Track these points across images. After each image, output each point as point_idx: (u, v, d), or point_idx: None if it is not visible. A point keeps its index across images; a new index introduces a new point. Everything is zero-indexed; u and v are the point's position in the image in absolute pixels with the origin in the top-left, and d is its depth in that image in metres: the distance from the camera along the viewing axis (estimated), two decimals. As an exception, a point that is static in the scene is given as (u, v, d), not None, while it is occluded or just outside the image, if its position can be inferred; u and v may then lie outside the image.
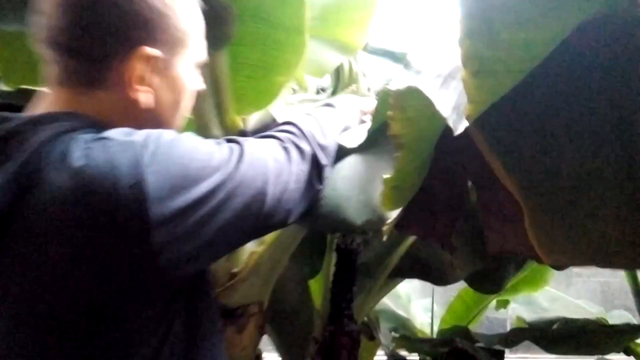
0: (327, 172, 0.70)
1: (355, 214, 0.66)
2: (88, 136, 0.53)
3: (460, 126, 0.41)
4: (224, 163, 0.56)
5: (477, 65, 0.39)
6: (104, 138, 0.52)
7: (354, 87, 1.20)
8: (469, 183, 0.76)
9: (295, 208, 0.65)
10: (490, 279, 1.57)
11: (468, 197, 0.76)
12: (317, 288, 1.50)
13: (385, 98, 0.69)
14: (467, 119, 0.40)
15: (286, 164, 0.64)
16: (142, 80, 0.58)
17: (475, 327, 2.18)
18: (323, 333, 1.41)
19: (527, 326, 1.99)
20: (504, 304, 2.27)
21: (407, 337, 1.68)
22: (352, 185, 0.69)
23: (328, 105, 0.82)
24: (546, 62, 0.47)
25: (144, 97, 0.59)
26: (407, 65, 1.64)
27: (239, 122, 1.05)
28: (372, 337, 1.79)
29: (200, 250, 0.54)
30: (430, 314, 2.31)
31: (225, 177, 0.55)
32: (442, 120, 0.50)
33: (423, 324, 2.29)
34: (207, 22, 1.00)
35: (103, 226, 0.49)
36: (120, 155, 0.50)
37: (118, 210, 0.48)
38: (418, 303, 2.42)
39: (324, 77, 1.25)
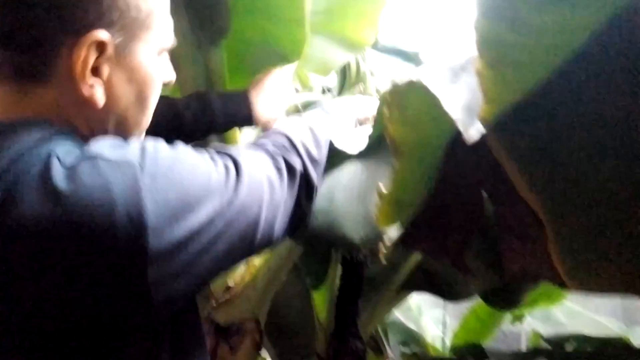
0: (317, 191, 0.64)
1: (354, 230, 0.58)
2: (66, 149, 0.45)
3: (472, 130, 0.32)
4: (222, 186, 0.50)
5: (496, 53, 0.31)
6: (92, 156, 0.44)
7: (360, 86, 1.12)
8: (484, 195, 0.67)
9: (283, 231, 0.58)
10: (506, 295, 1.47)
11: (484, 211, 0.67)
12: (321, 301, 1.42)
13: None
14: (482, 122, 0.32)
15: (278, 184, 0.57)
16: (95, 73, 0.49)
17: (489, 341, 2.09)
18: (326, 350, 1.33)
19: (542, 342, 1.91)
20: (519, 318, 2.18)
21: (417, 355, 1.59)
22: (351, 197, 0.60)
23: (321, 110, 0.74)
24: (578, 56, 0.38)
25: (99, 92, 0.50)
26: (419, 64, 1.56)
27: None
28: (380, 352, 1.71)
29: (193, 285, 0.48)
30: (441, 327, 2.22)
31: (224, 204, 0.49)
32: (451, 122, 0.42)
33: (434, 337, 2.19)
34: (201, 16, 0.94)
35: (94, 262, 0.42)
36: (115, 178, 0.43)
37: (114, 245, 0.42)
38: (429, 314, 2.33)
39: (329, 75, 1.17)
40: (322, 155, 0.66)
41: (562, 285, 0.56)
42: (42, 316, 0.42)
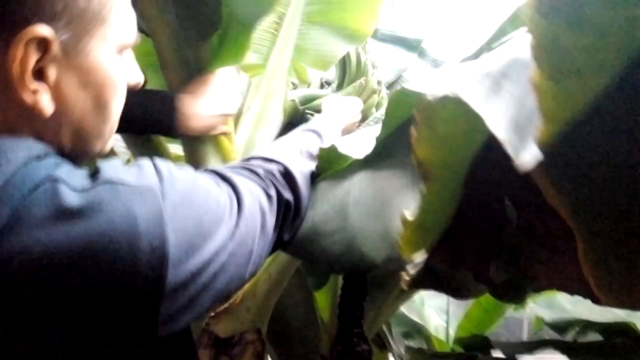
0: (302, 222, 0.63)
1: (374, 250, 0.53)
2: (65, 170, 0.40)
3: (525, 155, 0.26)
4: (227, 214, 0.48)
5: (556, 59, 0.25)
6: (110, 181, 0.40)
7: (362, 80, 1.06)
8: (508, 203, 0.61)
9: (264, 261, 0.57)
10: (514, 289, 1.42)
11: (506, 222, 0.62)
12: (324, 301, 1.37)
13: (399, 99, 0.56)
14: (541, 145, 0.26)
15: (269, 218, 0.55)
16: (39, 76, 0.43)
17: (492, 329, 2.07)
18: (331, 352, 1.28)
19: (546, 328, 1.89)
20: (522, 305, 2.15)
21: (423, 350, 1.55)
22: (367, 213, 0.55)
23: (315, 132, 0.72)
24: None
25: (45, 99, 0.43)
26: (422, 53, 1.48)
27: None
28: (384, 347, 1.67)
29: (192, 319, 0.45)
30: (445, 317, 2.19)
31: (229, 234, 0.47)
32: (485, 134, 0.36)
33: (438, 328, 2.16)
34: (190, 9, 0.87)
35: (111, 293, 0.38)
36: (138, 206, 0.39)
37: (133, 279, 0.39)
38: (432, 304, 2.30)
39: (328, 69, 1.11)
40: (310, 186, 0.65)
41: (595, 300, 0.52)
42: (41, 343, 0.38)
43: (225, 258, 0.46)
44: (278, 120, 1.05)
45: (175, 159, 1.00)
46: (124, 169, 0.42)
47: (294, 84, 1.12)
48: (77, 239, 0.37)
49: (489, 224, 0.64)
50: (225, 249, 0.46)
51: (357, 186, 0.58)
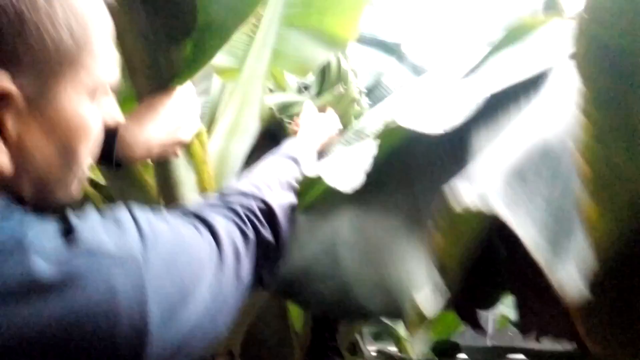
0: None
1: (368, 298, 0.50)
2: (35, 229, 0.36)
3: (562, 272, 0.22)
4: (207, 269, 0.46)
5: (610, 183, 0.21)
6: (91, 251, 0.37)
7: (341, 88, 1.01)
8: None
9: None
10: (484, 296, 1.42)
11: (494, 264, 0.59)
12: (298, 311, 1.33)
13: (393, 132, 0.52)
14: (591, 277, 0.22)
15: (246, 261, 0.52)
16: None
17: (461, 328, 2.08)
18: (303, 362, 1.25)
19: (512, 326, 1.91)
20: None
21: (394, 356, 1.54)
22: (359, 257, 0.52)
23: (292, 159, 0.69)
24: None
25: (2, 158, 0.38)
26: (401, 57, 1.44)
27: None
28: (355, 352, 1.66)
29: None
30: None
31: (208, 290, 0.45)
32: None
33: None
34: (162, 12, 0.80)
35: None
36: (119, 279, 0.37)
37: (112, 356, 0.36)
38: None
39: (307, 75, 1.06)
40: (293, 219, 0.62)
41: (585, 351, 0.50)
42: None
43: (203, 315, 0.44)
44: (254, 128, 0.99)
45: (145, 168, 0.94)
46: (102, 230, 0.39)
47: (270, 89, 1.06)
48: (52, 317, 0.34)
49: (476, 265, 0.62)
50: (204, 306, 0.44)
51: (346, 224, 0.55)
